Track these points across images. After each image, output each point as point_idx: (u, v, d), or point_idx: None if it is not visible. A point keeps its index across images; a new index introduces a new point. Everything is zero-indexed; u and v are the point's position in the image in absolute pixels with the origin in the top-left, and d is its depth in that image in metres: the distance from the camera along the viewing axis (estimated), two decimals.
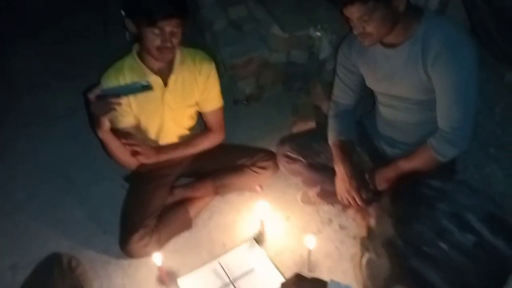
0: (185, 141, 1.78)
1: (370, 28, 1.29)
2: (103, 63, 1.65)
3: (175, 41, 1.47)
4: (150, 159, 1.67)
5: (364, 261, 0.74)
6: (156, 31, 1.41)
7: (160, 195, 1.74)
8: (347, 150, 1.58)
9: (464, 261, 0.58)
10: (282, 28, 2.22)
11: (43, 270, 1.42)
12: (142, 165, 1.74)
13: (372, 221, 0.70)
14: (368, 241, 0.71)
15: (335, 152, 1.59)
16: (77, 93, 2.32)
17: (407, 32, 1.32)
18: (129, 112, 1.61)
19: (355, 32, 1.34)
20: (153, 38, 1.43)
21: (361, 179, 1.53)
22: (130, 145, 1.61)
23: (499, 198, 1.63)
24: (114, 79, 1.55)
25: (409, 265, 0.62)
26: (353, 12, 1.27)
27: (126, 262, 1.69)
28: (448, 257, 0.58)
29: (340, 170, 1.55)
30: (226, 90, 1.80)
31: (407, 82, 1.39)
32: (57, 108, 2.53)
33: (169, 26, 1.41)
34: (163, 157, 1.72)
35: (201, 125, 1.86)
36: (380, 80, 1.48)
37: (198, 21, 2.68)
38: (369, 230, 0.71)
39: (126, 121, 1.62)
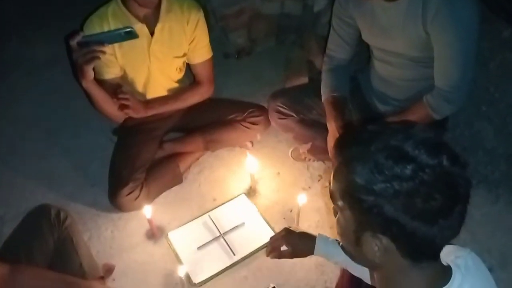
0: (174, 95, 1.74)
1: None
2: (83, 10, 1.57)
3: None
4: (139, 113, 1.64)
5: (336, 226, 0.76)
6: None
7: (149, 149, 1.72)
8: (340, 107, 1.56)
9: (409, 187, 0.61)
10: None
11: (31, 221, 1.41)
12: (130, 119, 1.70)
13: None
14: (332, 201, 0.73)
15: (327, 109, 1.57)
16: (58, 42, 2.24)
17: None
18: (114, 62, 1.55)
19: None
20: None
21: None
22: (119, 99, 1.56)
23: (488, 156, 1.67)
24: (97, 27, 1.48)
25: (366, 207, 0.64)
26: None
27: (115, 215, 1.69)
28: (393, 189, 0.61)
29: (332, 126, 1.54)
30: (217, 42, 1.77)
31: (404, 37, 1.36)
32: (37, 57, 2.44)
33: None
34: (152, 111, 1.69)
35: (190, 77, 1.82)
36: (377, 34, 1.45)
37: None
38: (329, 192, 0.73)
39: (111, 71, 1.57)
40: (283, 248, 1.23)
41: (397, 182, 0.61)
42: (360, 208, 0.65)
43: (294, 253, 1.21)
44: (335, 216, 0.75)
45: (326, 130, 1.67)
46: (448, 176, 0.62)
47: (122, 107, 1.59)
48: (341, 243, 0.78)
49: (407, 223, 0.63)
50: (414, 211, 0.62)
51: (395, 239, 0.65)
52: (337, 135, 1.53)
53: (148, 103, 1.69)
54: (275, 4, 2.25)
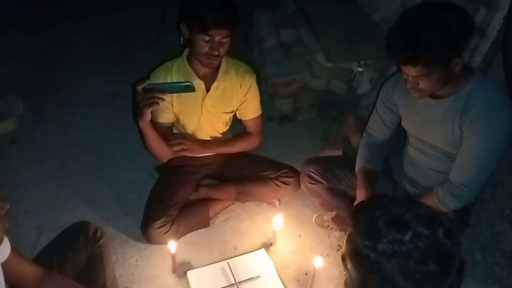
0: (226, 139, 1.95)
1: (423, 85, 1.37)
2: (151, 58, 1.83)
3: (222, 50, 1.62)
4: (194, 152, 1.85)
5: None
6: (206, 38, 1.57)
7: (186, 190, 1.90)
8: (371, 179, 1.67)
9: (406, 249, 0.73)
10: (327, 57, 2.36)
11: (70, 233, 1.56)
12: (173, 160, 1.90)
13: None
14: (343, 263, 0.86)
15: (359, 178, 1.68)
16: (122, 81, 2.54)
17: (454, 88, 1.40)
18: (170, 109, 1.77)
19: (408, 85, 1.41)
20: (203, 45, 1.59)
21: None
22: (174, 144, 1.79)
23: (506, 258, 1.72)
24: (162, 77, 1.72)
25: (368, 265, 0.76)
26: (412, 71, 1.34)
27: (142, 245, 1.84)
28: (392, 249, 0.74)
29: (361, 194, 1.65)
30: (263, 105, 1.96)
31: (441, 133, 1.46)
32: (101, 91, 2.76)
33: (219, 35, 1.57)
34: (207, 151, 1.91)
35: (234, 131, 2.02)
36: (416, 125, 1.58)
37: (250, 36, 2.88)
38: (341, 256, 0.87)
39: (166, 116, 1.78)
40: None
41: (396, 244, 0.75)
42: (363, 265, 0.78)
43: None
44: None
45: (352, 202, 1.79)
46: (440, 247, 0.75)
47: (178, 149, 1.80)
48: None
49: (400, 281, 0.75)
50: (407, 272, 0.74)
51: None
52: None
53: (204, 142, 1.90)
54: (323, 81, 2.49)
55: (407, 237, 0.74)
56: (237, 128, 2.02)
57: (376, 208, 0.80)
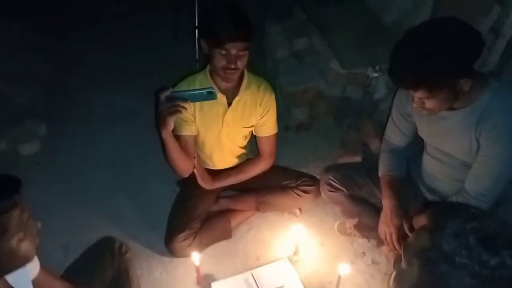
0: (236, 168, 1.99)
1: (430, 105, 1.35)
2: (166, 74, 1.85)
3: (240, 63, 1.66)
4: (205, 183, 1.91)
5: (392, 276, 0.89)
6: (223, 52, 1.62)
7: (207, 202, 1.95)
8: (395, 186, 1.67)
9: (487, 274, 0.71)
10: (341, 64, 2.39)
11: (96, 249, 1.62)
12: (194, 173, 1.95)
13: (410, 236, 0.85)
14: (402, 254, 0.84)
15: (383, 187, 1.69)
16: (139, 97, 2.60)
17: (469, 100, 1.36)
18: (192, 121, 1.82)
19: (414, 105, 1.39)
20: (220, 58, 1.64)
21: (403, 218, 1.59)
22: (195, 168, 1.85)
23: None
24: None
25: (437, 271, 0.74)
26: (415, 93, 1.33)
27: (167, 259, 1.89)
28: (473, 269, 0.72)
29: (386, 204, 1.65)
30: (280, 115, 1.98)
31: (457, 143, 1.46)
32: (119, 109, 2.83)
33: (234, 49, 1.61)
34: (217, 184, 1.95)
35: (252, 143, 2.06)
36: (432, 135, 1.57)
37: (262, 47, 2.93)
38: (405, 243, 0.84)
39: (188, 129, 1.83)
40: None
41: (478, 265, 0.72)
42: (431, 270, 0.76)
43: None
44: (394, 268, 0.86)
45: (374, 209, 1.81)
46: None
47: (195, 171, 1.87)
48: None
49: None
50: None
51: None
52: (389, 213, 1.63)
53: (215, 175, 1.95)
54: (338, 87, 2.52)
55: (494, 263, 0.72)
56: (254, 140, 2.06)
57: (469, 220, 0.77)
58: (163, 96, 1.51)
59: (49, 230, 2.02)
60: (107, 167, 2.41)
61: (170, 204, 2.00)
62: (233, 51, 1.62)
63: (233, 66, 1.64)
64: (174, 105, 1.50)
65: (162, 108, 1.52)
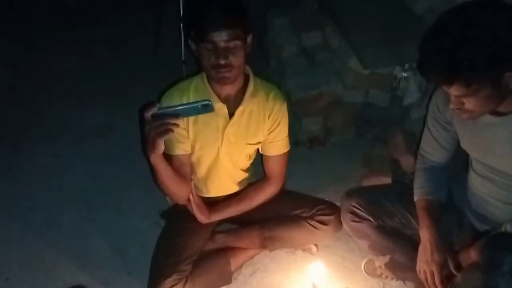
0: (238, 195, 1.97)
1: (470, 106, 1.35)
2: (145, 79, 1.85)
3: (233, 58, 1.65)
4: (201, 216, 1.89)
5: None
6: (209, 46, 1.62)
7: (200, 238, 1.92)
8: (434, 213, 1.66)
9: None
10: (362, 63, 2.38)
11: None
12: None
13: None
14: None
15: (420, 214, 1.67)
16: (113, 109, 2.59)
17: None
18: (186, 137, 1.80)
19: (451, 106, 1.40)
20: (208, 55, 1.64)
21: (447, 253, 1.57)
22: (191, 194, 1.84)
23: None
24: (177, 99, 1.76)
25: None
26: (450, 90, 1.33)
27: None
28: None
29: (424, 236, 1.63)
30: (288, 128, 1.96)
31: (508, 157, 1.44)
32: (89, 124, 2.83)
33: (221, 39, 1.60)
34: (215, 216, 1.93)
35: (256, 165, 2.05)
36: (478, 148, 1.55)
37: (264, 44, 2.94)
38: (451, 285, 0.86)
39: (182, 147, 1.81)
40: None
41: None
42: None
43: None
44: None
45: (408, 243, 1.78)
46: None
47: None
48: None
49: None
50: None
51: None
52: (429, 247, 1.60)
53: (211, 205, 1.93)
54: (359, 92, 2.52)
55: None
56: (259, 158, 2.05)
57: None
58: (149, 114, 1.48)
59: (1, 278, 2.01)
60: (74, 196, 2.39)
61: (154, 241, 1.97)
62: (221, 43, 1.61)
63: (223, 62, 1.63)
64: (163, 123, 1.48)
65: (149, 128, 1.49)
